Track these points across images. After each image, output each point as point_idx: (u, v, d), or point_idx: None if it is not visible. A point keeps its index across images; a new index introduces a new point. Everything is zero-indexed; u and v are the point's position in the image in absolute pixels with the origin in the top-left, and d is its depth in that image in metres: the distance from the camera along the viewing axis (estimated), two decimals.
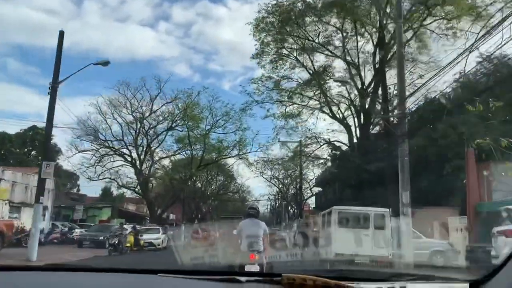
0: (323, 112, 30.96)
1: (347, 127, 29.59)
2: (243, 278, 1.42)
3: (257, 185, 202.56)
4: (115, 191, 55.39)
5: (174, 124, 39.47)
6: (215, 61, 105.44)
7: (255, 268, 7.66)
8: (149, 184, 40.95)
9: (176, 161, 45.31)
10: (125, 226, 33.11)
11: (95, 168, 38.19)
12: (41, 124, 35.95)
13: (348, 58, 28.46)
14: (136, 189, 41.26)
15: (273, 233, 24.29)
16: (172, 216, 63.13)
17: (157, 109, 38.87)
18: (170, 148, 42.57)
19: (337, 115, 30.41)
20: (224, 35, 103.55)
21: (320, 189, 60.02)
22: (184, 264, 9.65)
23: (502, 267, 1.25)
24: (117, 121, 38.36)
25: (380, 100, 27.14)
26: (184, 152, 43.09)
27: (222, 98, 47.97)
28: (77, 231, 28.59)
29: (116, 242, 19.03)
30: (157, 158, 41.95)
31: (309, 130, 32.27)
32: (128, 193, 47.15)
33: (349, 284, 1.36)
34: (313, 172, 55.30)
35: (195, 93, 38.68)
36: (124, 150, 39.28)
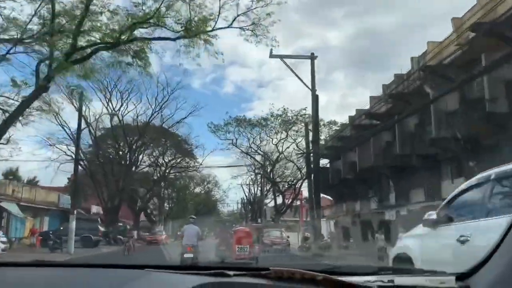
0: None
1: None
2: (231, 272, 1.42)
3: (225, 161, 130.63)
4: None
5: None
6: None
7: (190, 255, 11.56)
8: None
9: None
10: None
11: None
12: None
13: None
14: None
15: (259, 229, 22.61)
16: (95, 209, 44.10)
17: None
18: None
19: None
20: None
21: (327, 160, 38.16)
22: (172, 260, 11.44)
23: (488, 259, 1.27)
24: None
25: None
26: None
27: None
28: None
29: None
30: None
31: None
32: None
33: (336, 278, 1.35)
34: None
35: None
36: None
